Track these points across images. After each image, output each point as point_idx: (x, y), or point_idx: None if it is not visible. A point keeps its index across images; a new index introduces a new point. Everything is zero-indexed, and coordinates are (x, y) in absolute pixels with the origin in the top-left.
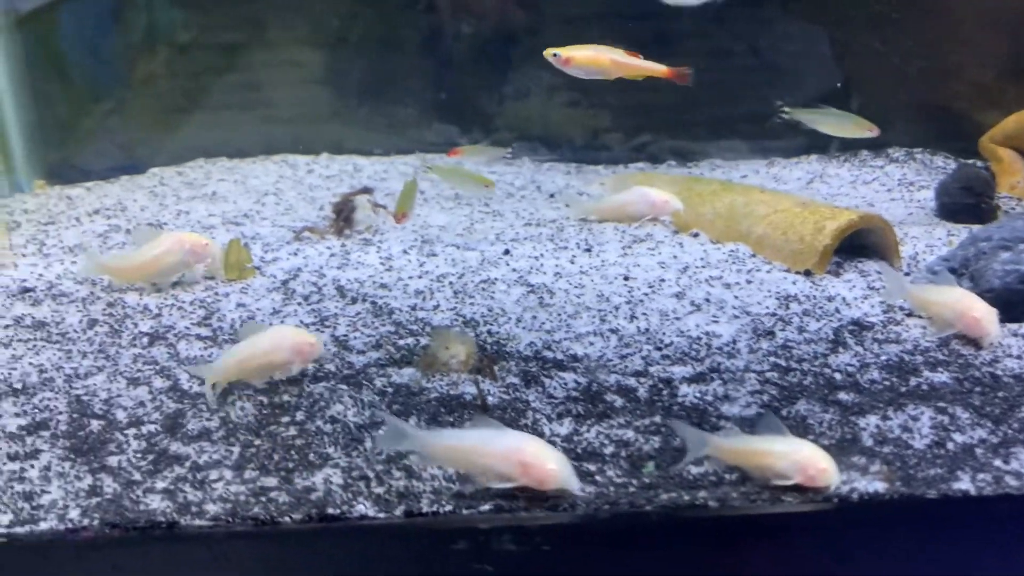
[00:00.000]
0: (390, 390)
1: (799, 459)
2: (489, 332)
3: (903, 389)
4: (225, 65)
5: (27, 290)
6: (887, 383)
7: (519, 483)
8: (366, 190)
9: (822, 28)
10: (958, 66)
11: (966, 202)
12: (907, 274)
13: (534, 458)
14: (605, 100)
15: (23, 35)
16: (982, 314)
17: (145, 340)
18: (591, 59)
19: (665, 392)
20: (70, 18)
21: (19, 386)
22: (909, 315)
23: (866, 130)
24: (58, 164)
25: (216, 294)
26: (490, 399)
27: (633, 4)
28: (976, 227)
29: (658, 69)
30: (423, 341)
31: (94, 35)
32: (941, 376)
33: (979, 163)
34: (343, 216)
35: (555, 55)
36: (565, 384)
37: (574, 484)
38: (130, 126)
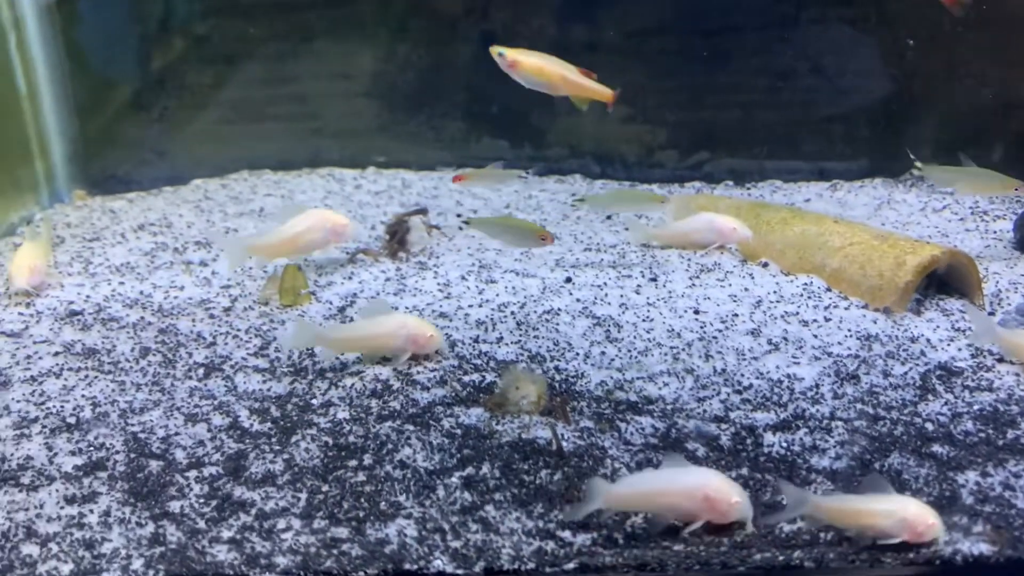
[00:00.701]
0: (459, 432)
1: (906, 516)
2: (556, 368)
3: (1000, 442)
4: (271, 76)
5: (75, 313)
6: (983, 435)
7: (703, 519)
8: (421, 211)
9: (890, 47)
10: None
11: None
12: (991, 313)
13: (718, 492)
14: (662, 116)
15: (65, 40)
16: None
17: (201, 372)
18: (537, 68)
19: (749, 441)
20: (114, 26)
21: (73, 420)
22: (1000, 360)
23: (1011, 188)
24: (99, 174)
25: (271, 321)
26: (564, 444)
27: (694, 20)
28: None
29: (603, 93)
30: (488, 378)
31: (138, 44)
32: None
33: None
34: (397, 238)
35: (500, 55)
36: (643, 429)
37: (750, 515)
38: (173, 136)
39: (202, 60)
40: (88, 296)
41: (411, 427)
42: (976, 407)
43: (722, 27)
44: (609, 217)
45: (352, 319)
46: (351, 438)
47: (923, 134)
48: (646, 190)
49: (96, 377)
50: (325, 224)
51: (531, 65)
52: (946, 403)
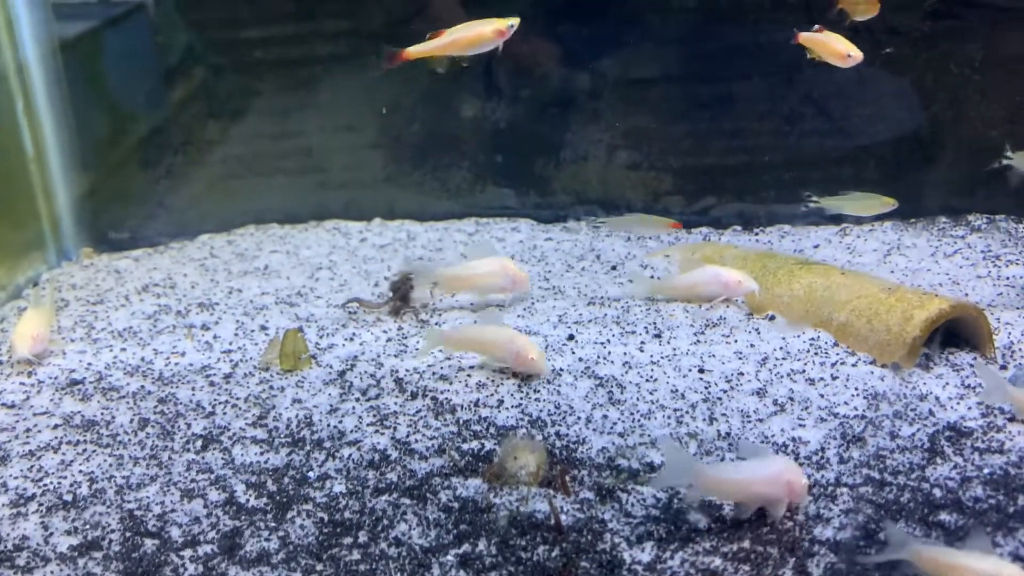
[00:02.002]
0: (456, 505)
1: None
2: (558, 434)
3: (1011, 509)
4: (277, 130)
5: (76, 382)
6: (992, 502)
7: (785, 502)
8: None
9: (898, 89)
10: None
11: None
12: (1003, 367)
13: (796, 475)
14: (667, 161)
15: (72, 99)
16: None
17: (199, 444)
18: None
19: (753, 511)
20: (120, 81)
21: (69, 498)
22: (1012, 419)
23: (888, 205)
24: (106, 231)
25: (271, 388)
26: (564, 518)
27: (696, 67)
28: None
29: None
30: (488, 445)
31: (145, 100)
32: None
33: None
34: (400, 294)
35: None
36: (644, 500)
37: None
38: (180, 192)
39: (208, 115)
40: (90, 364)
41: (407, 501)
42: (986, 471)
43: (726, 71)
44: (614, 268)
45: (352, 384)
46: (347, 513)
47: (933, 175)
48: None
49: (94, 451)
50: (507, 272)
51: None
52: (955, 467)
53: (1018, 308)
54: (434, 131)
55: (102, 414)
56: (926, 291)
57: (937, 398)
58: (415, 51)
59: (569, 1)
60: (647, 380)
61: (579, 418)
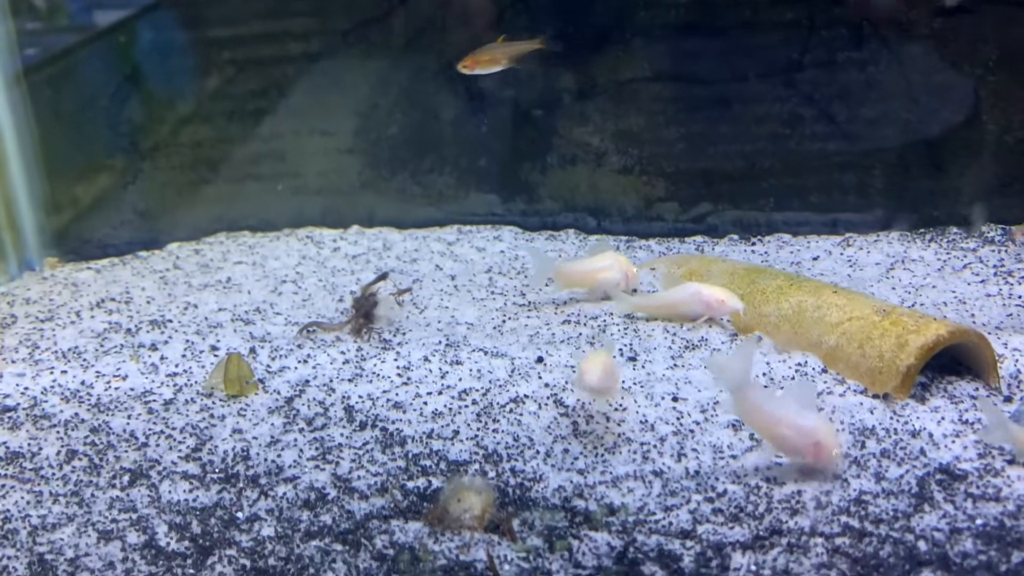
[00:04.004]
0: (390, 553)
1: None
2: (513, 470)
3: (1003, 567)
4: (249, 134)
5: (8, 409)
6: (983, 558)
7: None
8: (383, 276)
9: (904, 92)
10: None
11: None
12: (1007, 399)
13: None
14: (659, 166)
15: (34, 105)
16: None
17: (126, 479)
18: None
19: (715, 563)
20: (88, 83)
21: None
22: (1011, 462)
23: None
24: (73, 240)
25: (211, 416)
26: (506, 568)
27: (690, 67)
28: None
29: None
30: (435, 483)
31: (112, 103)
32: None
33: None
34: (363, 311)
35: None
36: (596, 548)
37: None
38: (150, 199)
39: (178, 120)
40: (26, 388)
41: (339, 547)
42: (979, 521)
43: (723, 71)
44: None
45: (298, 412)
46: (271, 560)
47: (943, 182)
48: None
49: (13, 487)
50: (621, 267)
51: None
52: (944, 516)
53: None
54: (414, 134)
55: (29, 445)
56: (924, 314)
57: (931, 435)
58: None
59: None
60: (616, 410)
61: (538, 452)
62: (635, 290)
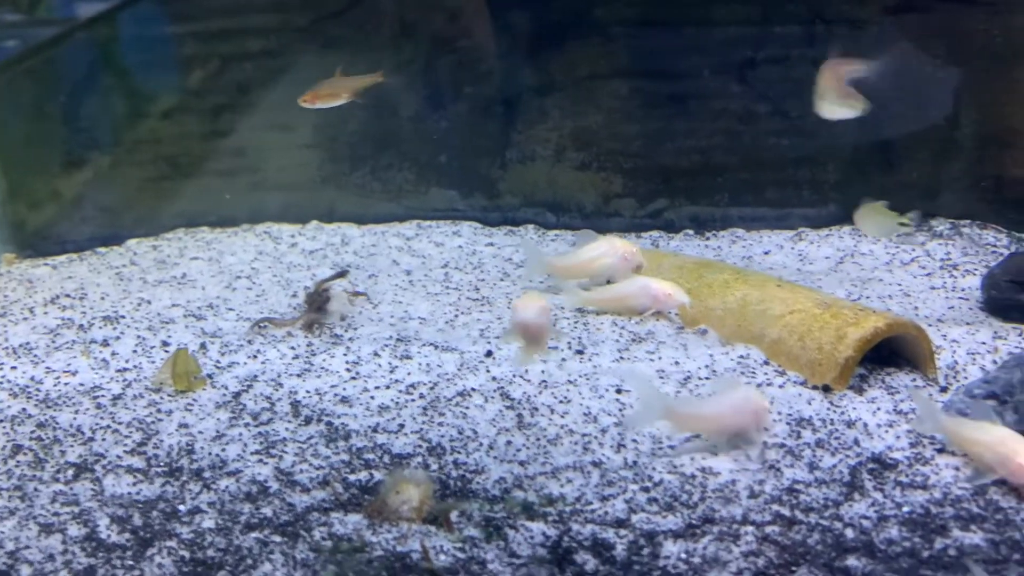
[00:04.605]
0: (328, 544)
1: None
2: (455, 463)
3: (926, 554)
4: (208, 129)
5: None
6: (907, 545)
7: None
8: (340, 274)
9: (859, 86)
10: (1014, 130)
11: (1018, 298)
12: (943, 389)
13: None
14: (617, 162)
15: None
16: None
17: (70, 473)
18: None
19: (646, 551)
20: (48, 79)
21: None
22: (941, 451)
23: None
24: (32, 235)
25: (158, 411)
26: (442, 558)
27: (647, 63)
28: None
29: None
30: (377, 476)
31: (73, 98)
32: (973, 537)
33: None
34: (315, 306)
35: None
36: (532, 538)
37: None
38: (109, 194)
39: (136, 114)
40: None
41: (278, 538)
42: (906, 509)
43: (678, 69)
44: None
45: (245, 407)
46: (210, 552)
47: (895, 178)
48: None
49: None
50: (617, 251)
51: None
52: (873, 504)
53: (968, 323)
54: (374, 130)
55: None
56: (864, 307)
57: (865, 425)
58: None
59: None
60: (561, 401)
61: (481, 444)
62: (640, 267)
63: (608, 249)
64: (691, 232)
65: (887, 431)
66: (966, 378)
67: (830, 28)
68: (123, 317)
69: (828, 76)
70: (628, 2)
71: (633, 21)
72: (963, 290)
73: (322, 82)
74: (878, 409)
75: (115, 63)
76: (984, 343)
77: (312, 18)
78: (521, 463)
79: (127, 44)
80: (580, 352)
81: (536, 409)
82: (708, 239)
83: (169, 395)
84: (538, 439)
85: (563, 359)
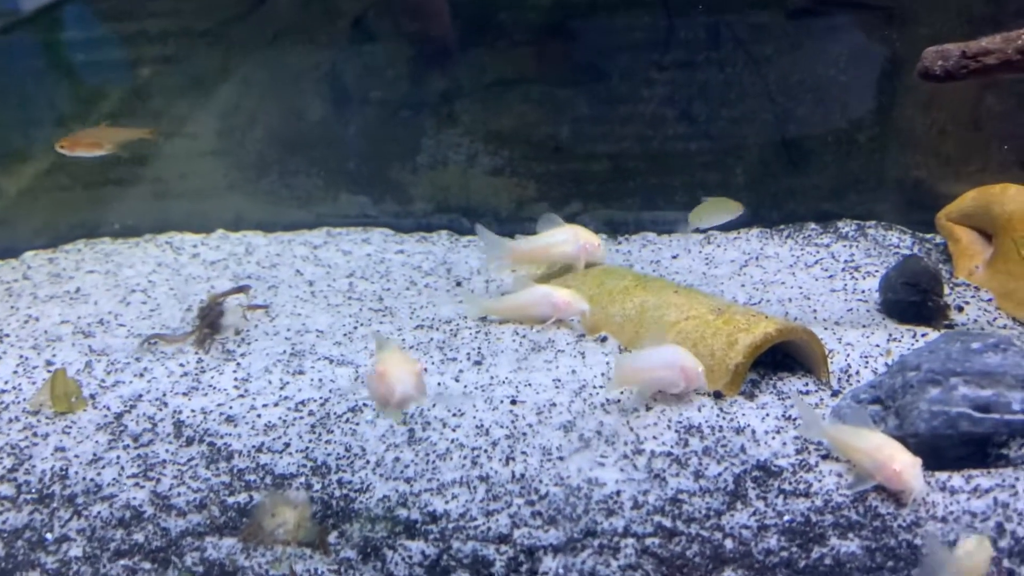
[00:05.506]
0: (200, 570)
1: None
2: (339, 482)
3: (802, 563)
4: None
5: None
6: (784, 555)
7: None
8: (241, 289)
9: (764, 90)
10: (914, 132)
11: (911, 299)
12: (836, 392)
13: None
14: (529, 167)
15: None
16: (903, 467)
17: None
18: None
19: (525, 567)
20: None
21: None
22: (826, 457)
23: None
24: None
25: (35, 435)
26: None
27: (554, 69)
28: (922, 331)
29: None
30: (257, 498)
31: None
32: (850, 546)
33: (938, 240)
34: (208, 321)
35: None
36: (410, 558)
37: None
38: (4, 204)
39: (30, 122)
40: None
41: (148, 565)
42: (786, 518)
43: (586, 74)
44: (459, 284)
45: (126, 428)
46: None
47: (802, 180)
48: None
49: None
50: (578, 240)
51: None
52: (755, 513)
53: (864, 326)
54: (280, 135)
55: None
56: (757, 312)
57: (754, 432)
58: None
59: None
60: (454, 414)
61: (368, 462)
62: (595, 263)
63: (570, 236)
64: (605, 236)
65: (774, 437)
66: (858, 382)
67: (734, 32)
68: (7, 336)
69: None
70: (533, 6)
71: (539, 26)
72: (863, 292)
73: (84, 130)
74: (767, 415)
75: (8, 69)
76: (878, 346)
77: (214, 22)
78: (408, 480)
79: (21, 50)
80: (479, 363)
81: (428, 423)
82: (620, 243)
83: (47, 417)
84: (427, 454)
85: (460, 370)
